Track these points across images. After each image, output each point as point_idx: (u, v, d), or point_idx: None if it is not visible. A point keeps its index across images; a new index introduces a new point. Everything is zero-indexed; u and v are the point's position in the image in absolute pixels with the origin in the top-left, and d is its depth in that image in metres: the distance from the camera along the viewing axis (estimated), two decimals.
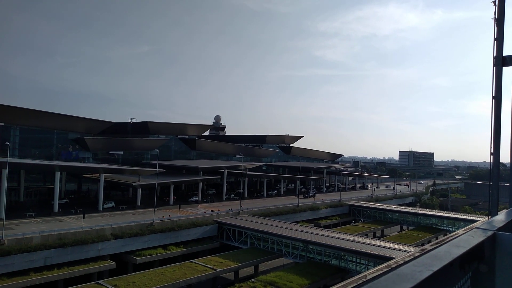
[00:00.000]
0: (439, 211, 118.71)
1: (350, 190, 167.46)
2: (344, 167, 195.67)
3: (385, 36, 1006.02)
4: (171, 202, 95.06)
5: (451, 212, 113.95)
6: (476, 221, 78.41)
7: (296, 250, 66.63)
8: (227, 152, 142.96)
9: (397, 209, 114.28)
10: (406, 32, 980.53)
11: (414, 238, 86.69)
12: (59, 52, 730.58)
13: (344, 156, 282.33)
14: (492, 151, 9.63)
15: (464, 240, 3.55)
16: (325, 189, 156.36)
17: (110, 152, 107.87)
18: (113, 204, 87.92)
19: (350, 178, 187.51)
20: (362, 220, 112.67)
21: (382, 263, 39.91)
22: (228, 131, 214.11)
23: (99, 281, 51.72)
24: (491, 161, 9.73)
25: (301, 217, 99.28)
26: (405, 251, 57.86)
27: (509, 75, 9.53)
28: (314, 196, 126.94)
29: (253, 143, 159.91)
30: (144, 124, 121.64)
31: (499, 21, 9.75)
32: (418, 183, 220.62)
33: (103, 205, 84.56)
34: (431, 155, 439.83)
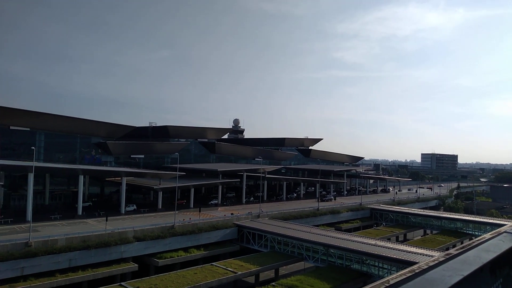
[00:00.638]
0: (464, 214, 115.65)
1: (371, 193, 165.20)
2: (365, 170, 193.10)
3: (405, 37, 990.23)
4: (191, 205, 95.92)
5: (477, 216, 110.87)
6: (503, 225, 75.76)
7: (317, 254, 66.03)
8: (246, 155, 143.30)
9: (420, 212, 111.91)
10: (427, 32, 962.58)
11: (438, 243, 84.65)
12: (70, 55, 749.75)
13: (365, 158, 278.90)
14: None
15: (494, 245, 3.46)
16: (345, 192, 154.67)
17: (132, 156, 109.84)
18: (135, 207, 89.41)
19: (371, 181, 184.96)
20: (384, 224, 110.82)
21: (405, 268, 39.00)
22: (247, 134, 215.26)
23: (122, 283, 52.50)
24: None
25: (322, 220, 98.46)
26: (429, 255, 56.53)
27: None
28: (332, 199, 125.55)
29: (272, 146, 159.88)
30: (164, 128, 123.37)
31: None
32: (439, 186, 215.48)
33: (125, 208, 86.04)
34: (454, 157, 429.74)
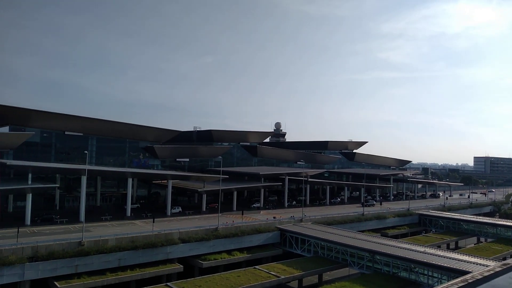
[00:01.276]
0: None
1: (419, 198, 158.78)
2: (412, 174, 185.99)
3: (455, 34, 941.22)
4: (234, 208, 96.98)
5: None
6: None
7: (362, 260, 64.31)
8: (288, 158, 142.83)
9: (473, 219, 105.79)
10: (480, 29, 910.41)
11: (494, 251, 79.57)
12: (131, 67, 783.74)
13: (412, 162, 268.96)
14: None
15: None
16: (392, 197, 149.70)
17: (177, 159, 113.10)
18: (180, 209, 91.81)
19: (420, 185, 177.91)
20: (433, 230, 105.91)
21: (457, 277, 37.02)
22: (289, 138, 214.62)
23: (168, 283, 53.93)
24: None
25: (367, 226, 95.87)
26: (483, 265, 53.27)
27: None
28: (374, 204, 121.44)
29: (315, 150, 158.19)
30: (208, 132, 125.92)
31: None
32: (489, 191, 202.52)
33: (171, 210, 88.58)
34: (510, 160, 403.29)
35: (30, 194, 70.60)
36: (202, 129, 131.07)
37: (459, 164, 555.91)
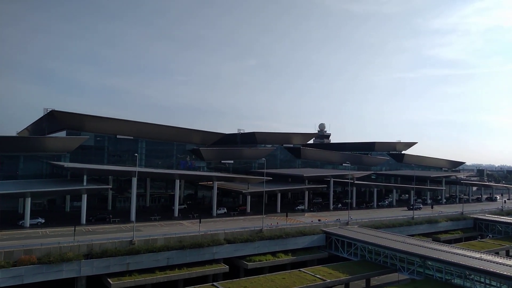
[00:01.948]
0: None
1: (474, 201, 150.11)
2: (466, 176, 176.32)
3: None
4: (278, 210, 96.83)
5: None
6: None
7: (412, 265, 61.70)
8: (332, 160, 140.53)
9: None
10: None
11: None
12: (174, 70, 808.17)
13: (466, 163, 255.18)
14: None
15: None
16: (444, 200, 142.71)
17: (222, 161, 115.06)
18: (225, 210, 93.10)
19: (474, 188, 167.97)
20: (490, 236, 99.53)
21: None
22: (333, 139, 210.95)
23: (214, 283, 54.73)
24: None
25: (417, 230, 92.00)
26: None
27: None
28: (421, 207, 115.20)
29: (361, 151, 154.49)
30: (252, 135, 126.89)
31: None
32: None
33: (216, 211, 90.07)
34: None
35: (85, 195, 74.63)
36: (246, 131, 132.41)
37: None
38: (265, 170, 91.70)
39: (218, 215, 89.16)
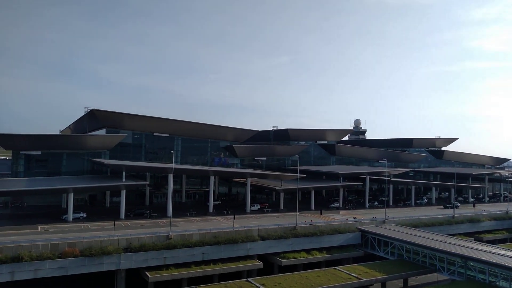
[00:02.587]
0: None
1: None
2: (511, 173, 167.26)
3: None
4: (312, 207, 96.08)
5: None
6: None
7: (453, 266, 59.44)
8: (368, 157, 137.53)
9: None
10: None
11: None
12: (202, 68, 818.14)
13: (511, 160, 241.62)
14: None
15: None
16: (487, 198, 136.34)
17: (255, 158, 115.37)
18: (258, 206, 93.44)
19: None
20: None
21: None
22: (369, 136, 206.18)
23: (249, 279, 55.15)
24: None
25: (458, 229, 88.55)
26: None
27: None
28: (458, 206, 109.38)
29: (398, 148, 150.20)
30: (285, 131, 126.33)
31: None
32: None
33: (250, 207, 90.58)
34: None
35: (124, 191, 77.16)
36: (279, 128, 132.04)
37: None
38: (298, 167, 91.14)
39: (252, 212, 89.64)
